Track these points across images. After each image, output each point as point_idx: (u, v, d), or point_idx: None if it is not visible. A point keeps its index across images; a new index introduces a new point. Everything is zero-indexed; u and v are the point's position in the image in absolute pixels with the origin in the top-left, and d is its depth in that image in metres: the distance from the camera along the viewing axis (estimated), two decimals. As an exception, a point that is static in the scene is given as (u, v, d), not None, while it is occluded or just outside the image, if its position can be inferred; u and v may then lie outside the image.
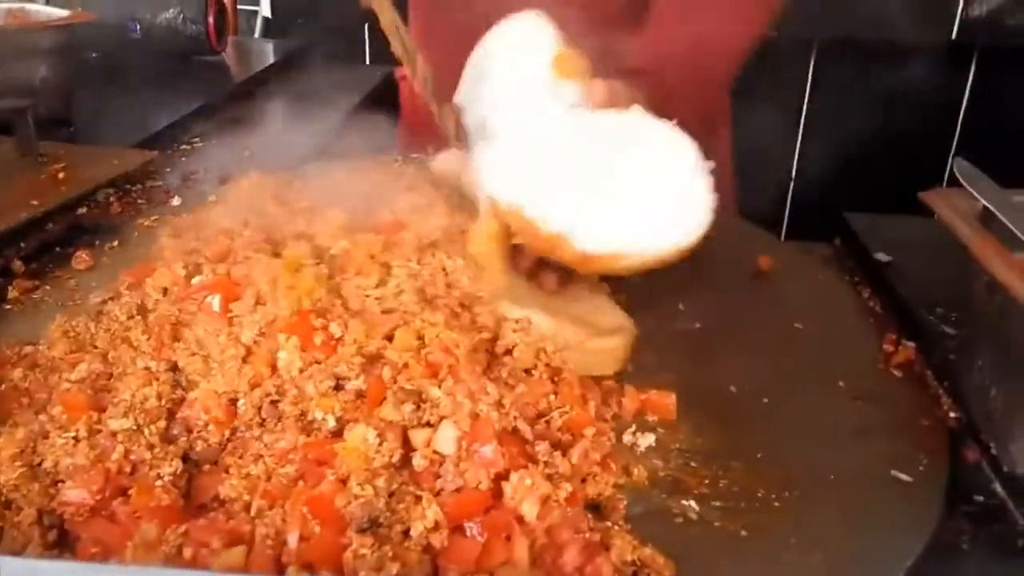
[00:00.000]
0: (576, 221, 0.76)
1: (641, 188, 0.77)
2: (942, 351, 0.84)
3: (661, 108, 0.91)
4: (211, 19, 1.80)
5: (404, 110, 1.61)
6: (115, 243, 1.03)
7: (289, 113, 1.74)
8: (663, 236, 0.76)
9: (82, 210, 1.09)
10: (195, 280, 0.75)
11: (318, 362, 0.66)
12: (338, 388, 0.65)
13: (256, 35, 2.44)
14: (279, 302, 0.70)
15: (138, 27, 1.73)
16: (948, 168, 2.59)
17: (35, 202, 1.04)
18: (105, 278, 0.89)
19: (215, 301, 0.71)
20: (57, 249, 1.02)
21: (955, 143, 2.54)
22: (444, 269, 0.76)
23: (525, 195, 0.78)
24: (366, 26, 2.58)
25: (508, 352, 0.72)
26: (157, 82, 1.73)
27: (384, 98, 1.94)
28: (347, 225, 0.84)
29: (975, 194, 0.65)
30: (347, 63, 2.36)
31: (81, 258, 0.98)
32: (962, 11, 2.35)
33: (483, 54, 0.99)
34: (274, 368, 0.66)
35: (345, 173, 1.08)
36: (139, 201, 1.16)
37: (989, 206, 0.63)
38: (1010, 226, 0.61)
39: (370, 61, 2.59)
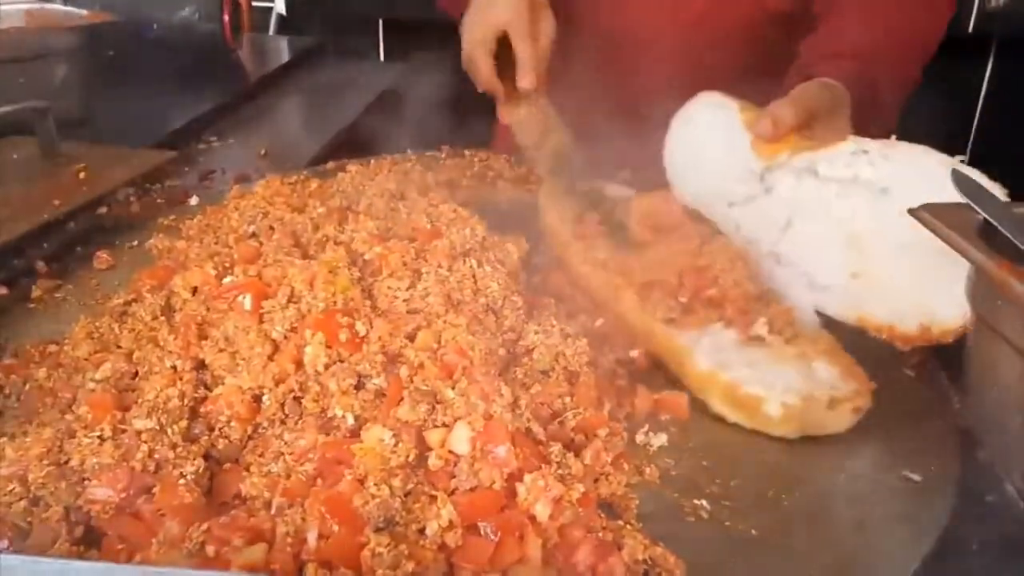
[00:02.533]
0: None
1: None
2: (955, 351, 0.84)
3: (870, 96, 0.99)
4: (227, 17, 1.81)
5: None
6: (135, 243, 1.04)
7: (305, 110, 1.76)
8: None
9: (103, 210, 1.11)
10: (226, 280, 0.76)
11: (342, 360, 0.67)
12: (359, 387, 0.66)
13: (271, 32, 2.45)
14: (315, 298, 0.71)
15: (154, 26, 1.74)
16: (965, 162, 2.58)
17: (57, 202, 1.06)
18: (126, 278, 0.91)
19: (247, 300, 0.72)
20: (79, 249, 1.04)
21: (972, 136, 2.52)
22: (474, 276, 0.77)
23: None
24: (380, 22, 2.59)
25: (528, 353, 0.74)
26: (174, 80, 1.74)
27: (399, 94, 1.95)
28: (380, 231, 0.86)
29: (976, 209, 0.65)
30: (362, 59, 2.37)
31: (102, 258, 1.00)
32: (979, 3, 2.32)
33: (680, 144, 1.03)
34: (299, 365, 0.67)
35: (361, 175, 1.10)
36: (158, 200, 1.18)
37: (994, 222, 0.63)
38: (1018, 244, 0.61)
39: (384, 57, 2.60)
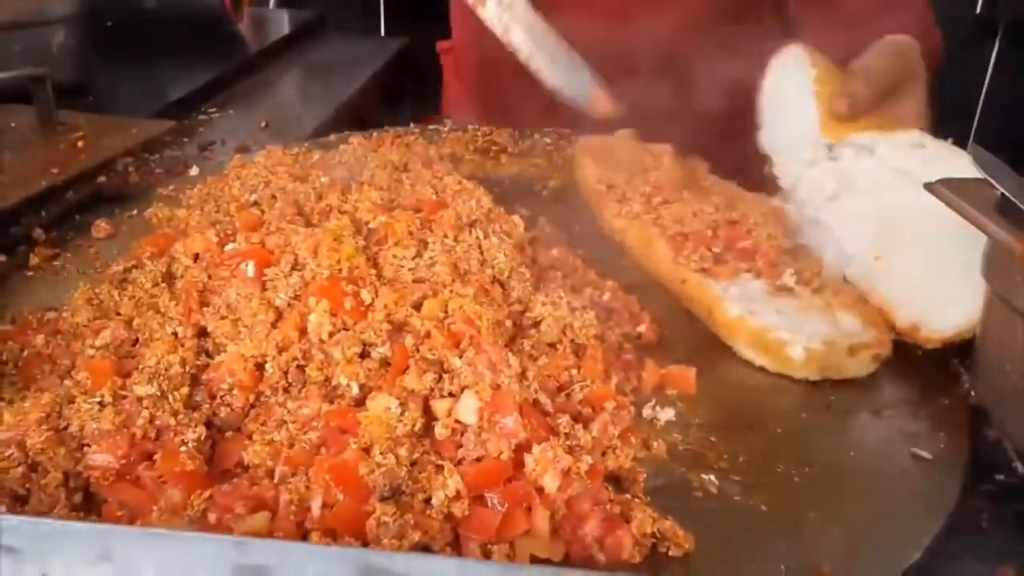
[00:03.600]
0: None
1: None
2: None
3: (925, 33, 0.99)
4: (227, -12, 1.79)
5: (447, 85, 1.60)
6: (134, 212, 1.03)
7: (306, 84, 1.74)
8: None
9: (101, 179, 1.09)
10: (229, 247, 0.75)
11: (347, 328, 0.66)
12: (364, 355, 0.65)
13: (271, 5, 2.42)
14: (319, 266, 0.70)
15: (154, -5, 1.71)
16: (970, 142, 2.56)
17: (55, 170, 1.05)
18: (125, 246, 0.90)
19: (249, 267, 0.71)
20: (77, 217, 1.02)
21: (977, 117, 2.50)
22: (480, 247, 0.76)
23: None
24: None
25: (535, 325, 0.72)
26: (174, 51, 1.72)
27: (400, 69, 1.93)
28: (384, 201, 0.84)
29: (995, 184, 0.64)
30: (363, 34, 2.34)
31: (101, 227, 0.99)
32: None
33: (766, 91, 1.05)
34: (303, 332, 0.66)
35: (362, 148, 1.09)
36: (157, 171, 1.16)
37: (1012, 198, 0.62)
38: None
39: (385, 32, 2.57)
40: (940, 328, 0.78)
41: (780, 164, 1.02)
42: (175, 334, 0.68)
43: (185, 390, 0.62)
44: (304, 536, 0.53)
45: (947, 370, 0.80)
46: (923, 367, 0.80)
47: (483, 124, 1.33)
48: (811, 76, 1.00)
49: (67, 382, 0.65)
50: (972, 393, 0.76)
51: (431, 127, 1.32)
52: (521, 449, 0.58)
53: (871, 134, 0.92)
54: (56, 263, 0.93)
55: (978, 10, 2.32)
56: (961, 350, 0.82)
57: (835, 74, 1.00)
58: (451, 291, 0.69)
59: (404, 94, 1.68)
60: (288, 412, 0.62)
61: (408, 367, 0.62)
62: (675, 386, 0.75)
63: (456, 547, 0.54)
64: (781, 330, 0.77)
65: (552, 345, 0.72)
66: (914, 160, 0.87)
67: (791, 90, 1.02)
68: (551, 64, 1.10)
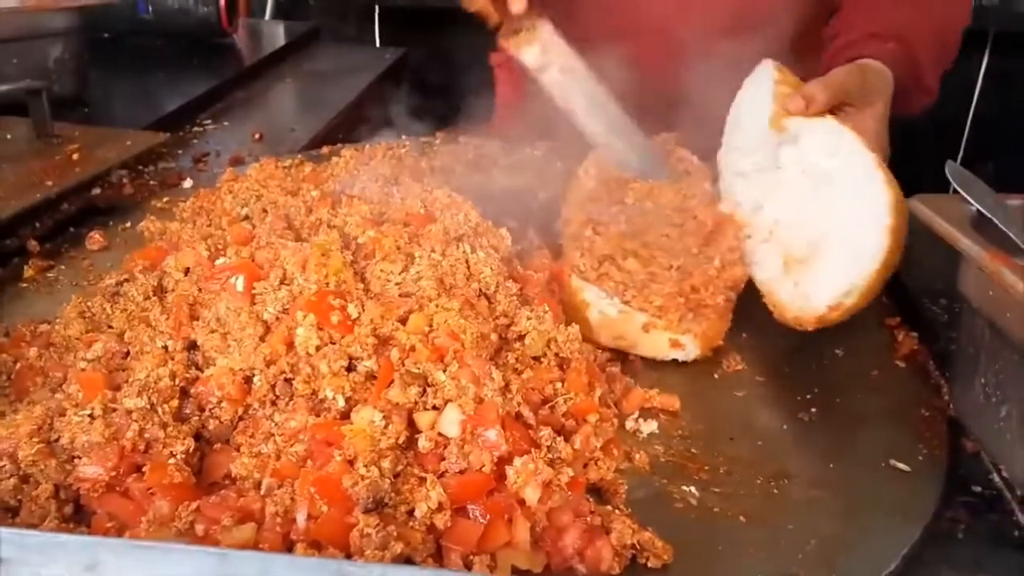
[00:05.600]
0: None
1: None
2: (944, 342, 0.85)
3: (913, 76, 1.03)
4: (222, 0, 1.80)
5: (500, 98, 1.60)
6: (128, 224, 1.04)
7: (300, 95, 1.75)
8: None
9: (96, 191, 1.10)
10: (219, 261, 0.76)
11: (333, 342, 0.67)
12: (350, 368, 0.66)
13: (267, 17, 2.43)
14: (307, 280, 0.71)
15: (149, 8, 1.73)
16: (960, 154, 2.58)
17: (50, 183, 1.06)
18: (118, 258, 0.91)
19: (239, 281, 0.72)
20: (71, 229, 1.03)
21: (967, 127, 2.52)
22: (467, 261, 0.77)
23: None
24: (376, 8, 2.58)
25: (520, 338, 0.74)
26: (169, 64, 1.74)
27: (394, 80, 1.94)
28: (374, 215, 0.85)
29: (970, 200, 0.65)
30: (358, 45, 2.36)
31: (95, 238, 1.00)
32: (977, -3, 2.32)
33: (735, 104, 1.07)
34: (290, 346, 0.67)
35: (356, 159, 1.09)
36: (151, 182, 1.17)
37: (988, 214, 0.63)
38: (1011, 235, 0.62)
39: (380, 43, 2.59)
40: (797, 310, 0.83)
41: (724, 176, 1.04)
42: (165, 347, 0.69)
43: (174, 403, 0.63)
44: (289, 547, 0.54)
45: (927, 382, 0.81)
46: (903, 379, 0.82)
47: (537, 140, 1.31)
48: (775, 78, 1.00)
49: (59, 395, 0.65)
50: (951, 405, 0.77)
51: (422, 139, 1.33)
52: (503, 462, 0.59)
53: (798, 120, 0.93)
54: (50, 275, 0.94)
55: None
56: (943, 362, 0.83)
57: (797, 82, 1.00)
58: (437, 305, 0.70)
59: (398, 104, 1.69)
60: (275, 425, 0.62)
61: (393, 380, 0.63)
62: (659, 401, 0.76)
63: (438, 558, 0.55)
64: (590, 292, 0.83)
65: (537, 358, 0.73)
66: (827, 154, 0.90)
67: (753, 98, 1.02)
68: (610, 135, 1.07)
